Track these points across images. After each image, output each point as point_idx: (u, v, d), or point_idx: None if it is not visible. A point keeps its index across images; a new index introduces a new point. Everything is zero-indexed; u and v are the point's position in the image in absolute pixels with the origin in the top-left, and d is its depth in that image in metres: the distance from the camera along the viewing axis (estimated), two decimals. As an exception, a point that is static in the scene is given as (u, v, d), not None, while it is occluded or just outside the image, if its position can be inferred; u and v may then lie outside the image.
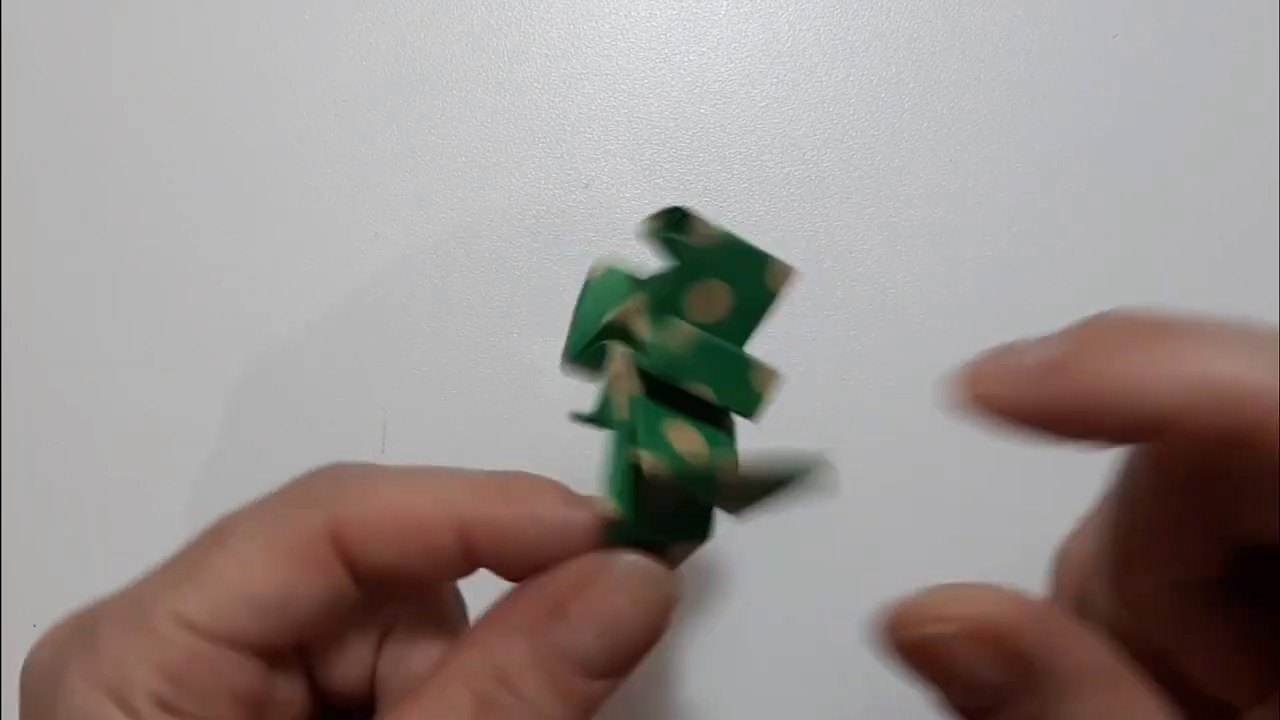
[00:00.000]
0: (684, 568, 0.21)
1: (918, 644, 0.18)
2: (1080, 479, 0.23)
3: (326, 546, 0.19)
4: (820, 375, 0.32)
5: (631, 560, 0.20)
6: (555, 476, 0.31)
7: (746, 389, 0.22)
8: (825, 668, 0.30)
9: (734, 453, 0.22)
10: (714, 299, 0.23)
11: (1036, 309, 0.32)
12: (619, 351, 0.21)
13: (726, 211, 0.33)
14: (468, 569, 0.20)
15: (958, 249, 0.33)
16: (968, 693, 0.18)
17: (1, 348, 0.32)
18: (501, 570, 0.20)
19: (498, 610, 0.20)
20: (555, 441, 0.31)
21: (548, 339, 0.32)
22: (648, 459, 0.19)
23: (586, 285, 0.23)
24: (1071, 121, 0.34)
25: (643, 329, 0.22)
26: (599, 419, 0.23)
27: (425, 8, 0.35)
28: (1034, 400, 0.19)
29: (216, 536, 0.20)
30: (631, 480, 0.20)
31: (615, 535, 0.20)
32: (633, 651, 0.20)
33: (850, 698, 0.30)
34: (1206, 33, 0.34)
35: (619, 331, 0.22)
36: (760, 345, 0.32)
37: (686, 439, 0.21)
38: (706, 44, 0.35)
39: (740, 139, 0.34)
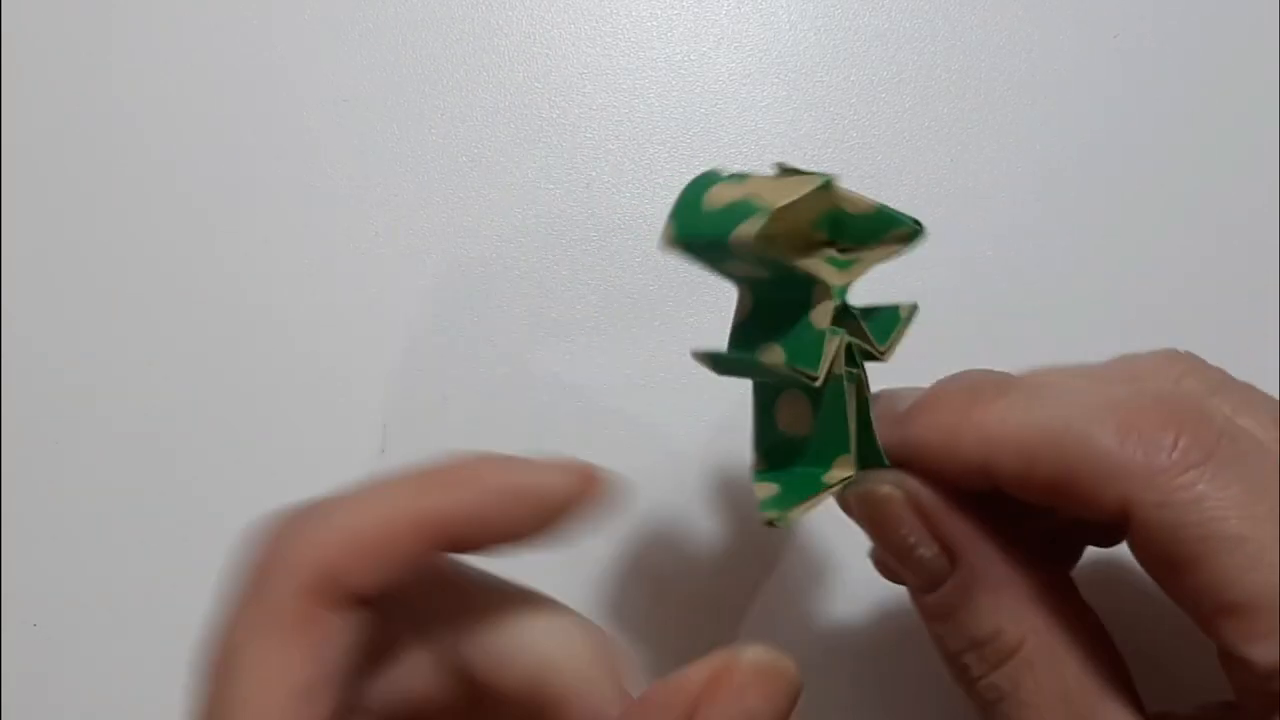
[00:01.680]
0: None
1: (876, 500, 0.22)
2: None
3: (322, 607, 0.19)
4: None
5: (757, 653, 0.19)
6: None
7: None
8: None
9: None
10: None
11: (1036, 309, 0.32)
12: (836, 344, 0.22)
13: (726, 211, 0.33)
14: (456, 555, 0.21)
15: (958, 249, 0.33)
16: (908, 562, 0.22)
17: (1, 348, 0.32)
18: (481, 550, 0.21)
19: None
20: (555, 441, 0.31)
21: (548, 339, 0.32)
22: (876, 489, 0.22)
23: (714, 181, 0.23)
24: (1072, 121, 0.34)
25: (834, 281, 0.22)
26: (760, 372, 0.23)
27: (425, 8, 0.35)
28: (890, 442, 0.22)
29: (225, 661, 0.19)
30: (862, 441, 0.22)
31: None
32: None
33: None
34: (1206, 33, 0.34)
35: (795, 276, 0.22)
36: (760, 345, 0.32)
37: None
38: (706, 44, 0.35)
39: (740, 139, 0.34)
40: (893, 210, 0.22)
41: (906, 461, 0.22)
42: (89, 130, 0.34)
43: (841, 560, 0.30)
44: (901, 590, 0.23)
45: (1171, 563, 0.19)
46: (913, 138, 0.34)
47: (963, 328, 0.32)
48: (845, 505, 0.23)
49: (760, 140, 0.34)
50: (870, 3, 0.35)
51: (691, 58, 0.34)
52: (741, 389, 0.31)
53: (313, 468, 0.31)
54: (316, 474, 0.31)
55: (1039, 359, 0.32)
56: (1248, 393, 0.21)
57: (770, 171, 0.23)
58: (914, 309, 0.23)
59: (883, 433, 0.22)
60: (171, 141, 0.34)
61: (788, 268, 0.22)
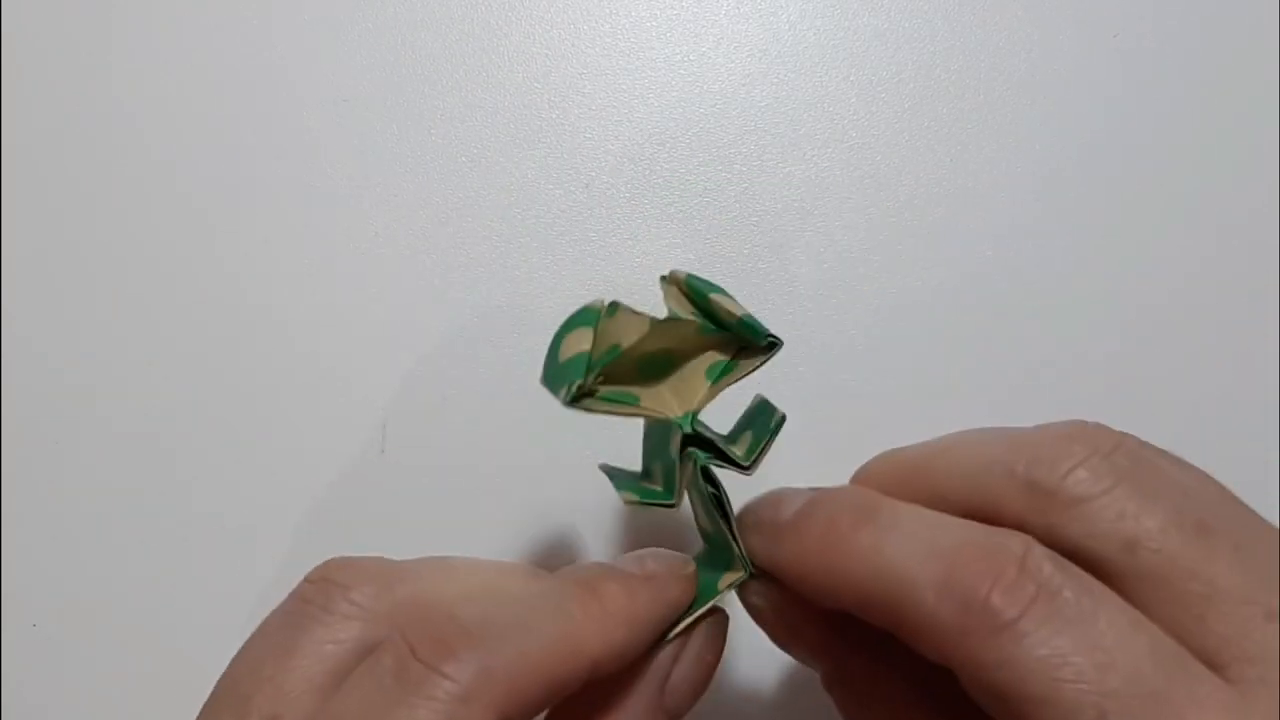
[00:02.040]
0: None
1: (748, 609, 0.24)
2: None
3: None
4: (820, 375, 0.32)
5: (716, 620, 0.23)
6: (553, 472, 0.31)
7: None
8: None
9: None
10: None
11: (1037, 309, 0.32)
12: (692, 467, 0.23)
13: (726, 211, 0.33)
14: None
15: (958, 249, 0.33)
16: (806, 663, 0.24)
17: (1, 348, 0.32)
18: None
19: (617, 702, 0.22)
20: (555, 441, 0.31)
21: (547, 339, 0.32)
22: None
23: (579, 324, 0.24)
24: (1071, 121, 0.34)
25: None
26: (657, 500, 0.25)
27: (425, 8, 0.35)
28: (765, 557, 0.23)
29: None
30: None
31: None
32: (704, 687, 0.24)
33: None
34: (1206, 33, 0.34)
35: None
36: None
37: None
38: (706, 44, 0.35)
39: (740, 139, 0.34)
40: (754, 322, 0.23)
41: (781, 577, 0.23)
42: (89, 130, 0.34)
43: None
44: None
45: (994, 713, 0.19)
46: (913, 138, 0.34)
47: (963, 328, 0.32)
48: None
49: (760, 140, 0.34)
50: (870, 3, 0.35)
51: (691, 58, 0.34)
52: (757, 375, 0.31)
53: (313, 468, 0.31)
54: (317, 474, 0.31)
55: (1039, 359, 0.32)
56: (1154, 478, 0.20)
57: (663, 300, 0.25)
58: (781, 420, 0.24)
59: (760, 542, 0.23)
60: (171, 141, 0.34)
61: (625, 412, 0.23)
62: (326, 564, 0.22)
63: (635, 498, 0.24)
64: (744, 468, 0.24)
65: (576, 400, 0.22)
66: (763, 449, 0.24)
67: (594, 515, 0.31)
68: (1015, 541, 0.19)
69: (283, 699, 0.20)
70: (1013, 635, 0.18)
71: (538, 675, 0.20)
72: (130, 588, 0.31)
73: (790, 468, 0.31)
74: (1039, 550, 0.19)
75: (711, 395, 0.24)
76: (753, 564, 0.23)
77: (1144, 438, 0.32)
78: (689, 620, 0.23)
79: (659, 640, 0.23)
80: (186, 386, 0.32)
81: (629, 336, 0.23)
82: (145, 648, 0.30)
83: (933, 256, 0.33)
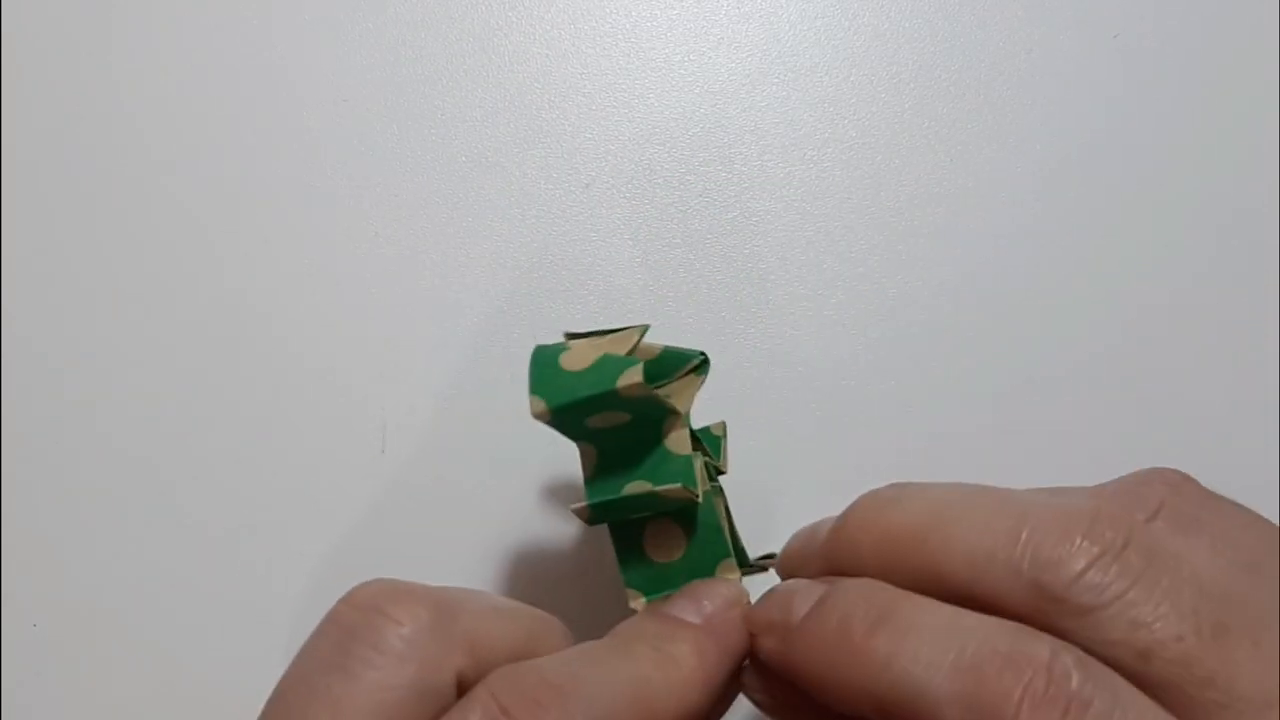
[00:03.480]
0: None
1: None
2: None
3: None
4: (820, 375, 0.32)
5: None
6: (554, 472, 0.31)
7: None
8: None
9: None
10: None
11: (1036, 309, 0.32)
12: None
13: (726, 212, 0.33)
14: None
15: (958, 249, 0.33)
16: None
17: (1, 348, 0.32)
18: None
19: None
20: (554, 441, 0.31)
21: (548, 339, 0.32)
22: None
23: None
24: (1071, 121, 0.34)
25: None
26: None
27: (425, 8, 0.35)
28: (776, 657, 0.22)
29: None
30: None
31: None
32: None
33: None
34: (1206, 33, 0.34)
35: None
36: (761, 345, 0.32)
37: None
38: (706, 44, 0.35)
39: (740, 139, 0.34)
40: (678, 349, 0.24)
41: (794, 679, 0.22)
42: (89, 131, 0.34)
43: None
44: None
45: None
46: (912, 138, 0.34)
47: (963, 328, 0.32)
48: None
49: (760, 140, 0.34)
50: (870, 3, 0.35)
51: (691, 58, 0.34)
52: (757, 376, 0.31)
53: (313, 468, 0.31)
54: (317, 474, 0.31)
55: (1039, 359, 0.32)
56: (1170, 575, 0.19)
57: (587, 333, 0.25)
58: (723, 426, 0.26)
59: (771, 644, 0.22)
60: (171, 142, 0.34)
61: (655, 403, 0.23)
62: (369, 588, 0.21)
63: (648, 485, 0.24)
64: (721, 470, 0.25)
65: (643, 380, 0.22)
66: (724, 453, 0.25)
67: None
68: (1042, 648, 0.18)
69: None
70: None
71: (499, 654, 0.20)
72: (130, 588, 0.31)
73: (791, 468, 0.31)
74: (1066, 657, 0.18)
75: (684, 401, 0.24)
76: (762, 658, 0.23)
77: (1144, 438, 0.32)
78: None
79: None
80: (186, 387, 0.32)
81: (622, 349, 0.24)
82: (145, 648, 0.30)
83: (933, 256, 0.33)
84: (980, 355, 0.32)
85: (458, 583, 0.25)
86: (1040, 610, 0.19)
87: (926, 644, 0.19)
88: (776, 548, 0.31)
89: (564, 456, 0.31)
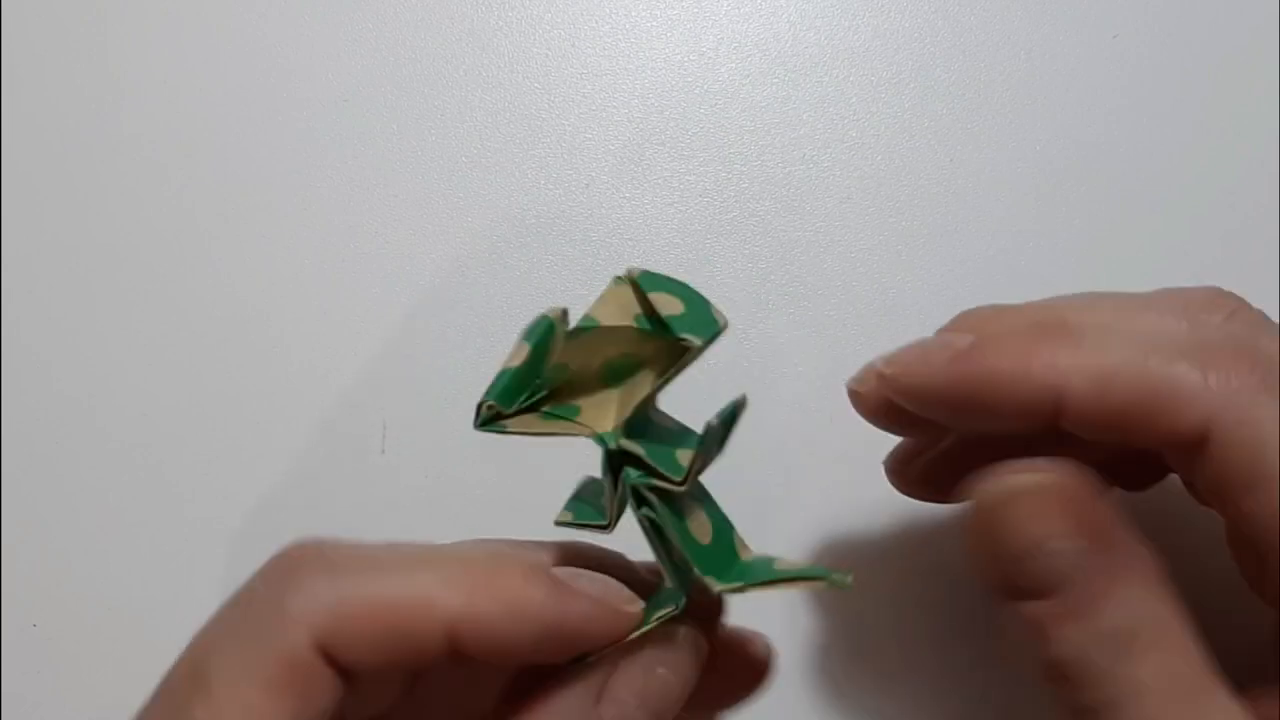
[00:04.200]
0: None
1: (1006, 501, 0.21)
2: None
3: (313, 663, 0.19)
4: (820, 375, 0.32)
5: (684, 635, 0.21)
6: (554, 472, 0.31)
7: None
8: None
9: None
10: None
11: (1036, 309, 0.32)
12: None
13: (726, 212, 0.33)
14: (456, 662, 0.20)
15: (958, 249, 0.33)
16: (1039, 577, 0.20)
17: (1, 348, 0.32)
18: (491, 660, 0.20)
19: (546, 701, 0.20)
20: (553, 441, 0.31)
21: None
22: (720, 586, 0.21)
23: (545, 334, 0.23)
24: (1071, 122, 0.34)
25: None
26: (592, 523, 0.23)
27: (425, 8, 0.35)
28: (949, 383, 0.21)
29: (194, 681, 0.19)
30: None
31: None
32: (671, 712, 0.21)
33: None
34: (1206, 33, 0.34)
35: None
36: (762, 346, 0.32)
37: (701, 528, 0.22)
38: (706, 44, 0.35)
39: (740, 139, 0.34)
40: (683, 319, 0.22)
41: (964, 401, 0.21)
42: (88, 131, 0.34)
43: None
44: None
45: (1246, 480, 0.19)
46: (913, 138, 0.34)
47: (963, 328, 0.32)
48: (972, 520, 0.21)
49: (760, 140, 0.34)
50: (870, 3, 0.35)
51: (691, 58, 0.34)
52: (757, 375, 0.31)
53: (313, 468, 0.31)
54: (317, 474, 0.31)
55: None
56: None
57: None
58: (730, 415, 0.22)
59: (937, 371, 0.22)
60: (170, 142, 0.34)
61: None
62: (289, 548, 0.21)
63: (569, 517, 0.23)
64: (676, 484, 0.21)
65: (486, 424, 0.21)
66: (696, 460, 0.21)
67: (594, 515, 0.31)
68: (1239, 330, 0.21)
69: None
70: (1276, 399, 0.19)
71: (375, 621, 0.19)
72: (130, 588, 0.31)
73: (792, 469, 0.31)
74: (1262, 339, 0.20)
75: (642, 404, 0.22)
76: (704, 589, 0.21)
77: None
78: (608, 649, 0.21)
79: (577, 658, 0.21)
80: (186, 387, 0.32)
81: (576, 353, 0.22)
82: (145, 648, 0.30)
83: (933, 256, 0.33)
84: (980, 355, 0.32)
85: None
86: (1226, 413, 0.20)
87: (1138, 332, 0.21)
88: (775, 547, 0.31)
89: (565, 457, 0.31)
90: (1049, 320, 0.21)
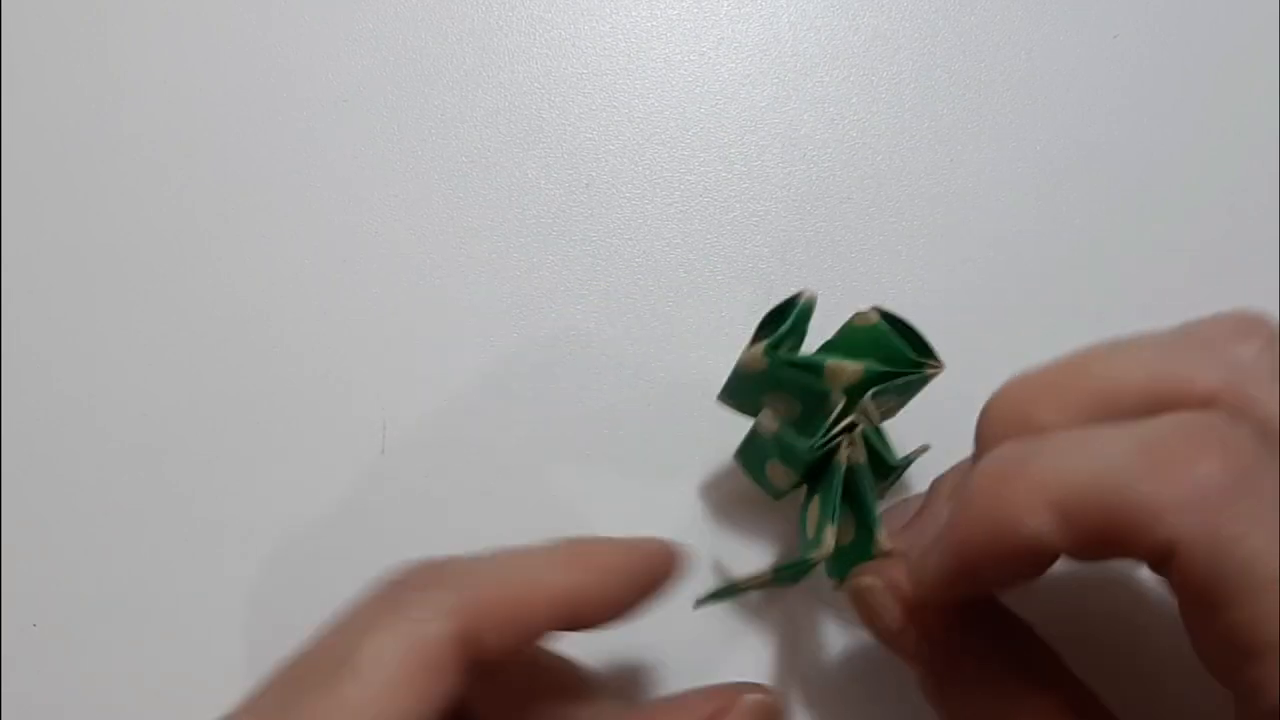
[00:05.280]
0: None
1: (858, 591, 0.24)
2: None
3: (452, 652, 0.21)
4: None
5: (756, 700, 0.23)
6: (554, 472, 0.31)
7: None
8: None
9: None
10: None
11: (1036, 309, 0.32)
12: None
13: (727, 212, 0.33)
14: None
15: (958, 249, 0.33)
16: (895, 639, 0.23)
17: (1, 348, 0.32)
18: (583, 629, 0.23)
19: None
20: (556, 441, 0.31)
21: (548, 339, 0.32)
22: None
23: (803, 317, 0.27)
24: (1072, 122, 0.34)
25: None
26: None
27: (425, 8, 0.35)
28: (943, 573, 0.22)
29: (345, 661, 0.20)
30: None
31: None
32: None
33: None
34: (1206, 33, 0.34)
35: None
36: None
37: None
38: (706, 44, 0.35)
39: (740, 139, 0.34)
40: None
41: (971, 579, 0.22)
42: (88, 132, 0.34)
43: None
44: None
45: (1207, 600, 0.18)
46: (913, 138, 0.34)
47: (962, 328, 0.32)
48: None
49: (760, 140, 0.34)
50: (870, 3, 0.35)
51: (691, 58, 0.34)
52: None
53: (313, 468, 0.31)
54: (317, 474, 0.31)
55: (1039, 360, 0.32)
56: None
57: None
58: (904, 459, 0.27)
59: (936, 559, 0.22)
60: (170, 143, 0.34)
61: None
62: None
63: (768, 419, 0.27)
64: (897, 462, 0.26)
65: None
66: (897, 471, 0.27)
67: (594, 515, 0.31)
68: (1217, 419, 0.19)
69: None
70: (1246, 509, 0.18)
71: (506, 603, 0.21)
72: (130, 588, 0.31)
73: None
74: (1240, 427, 0.19)
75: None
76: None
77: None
78: (794, 562, 0.25)
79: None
80: (186, 387, 0.32)
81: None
82: (145, 648, 0.30)
83: (933, 257, 0.33)
84: (980, 355, 0.32)
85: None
86: (1234, 383, 0.20)
87: (1098, 442, 0.19)
88: (777, 546, 0.31)
89: (565, 457, 0.31)
90: (1011, 456, 0.21)
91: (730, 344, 0.32)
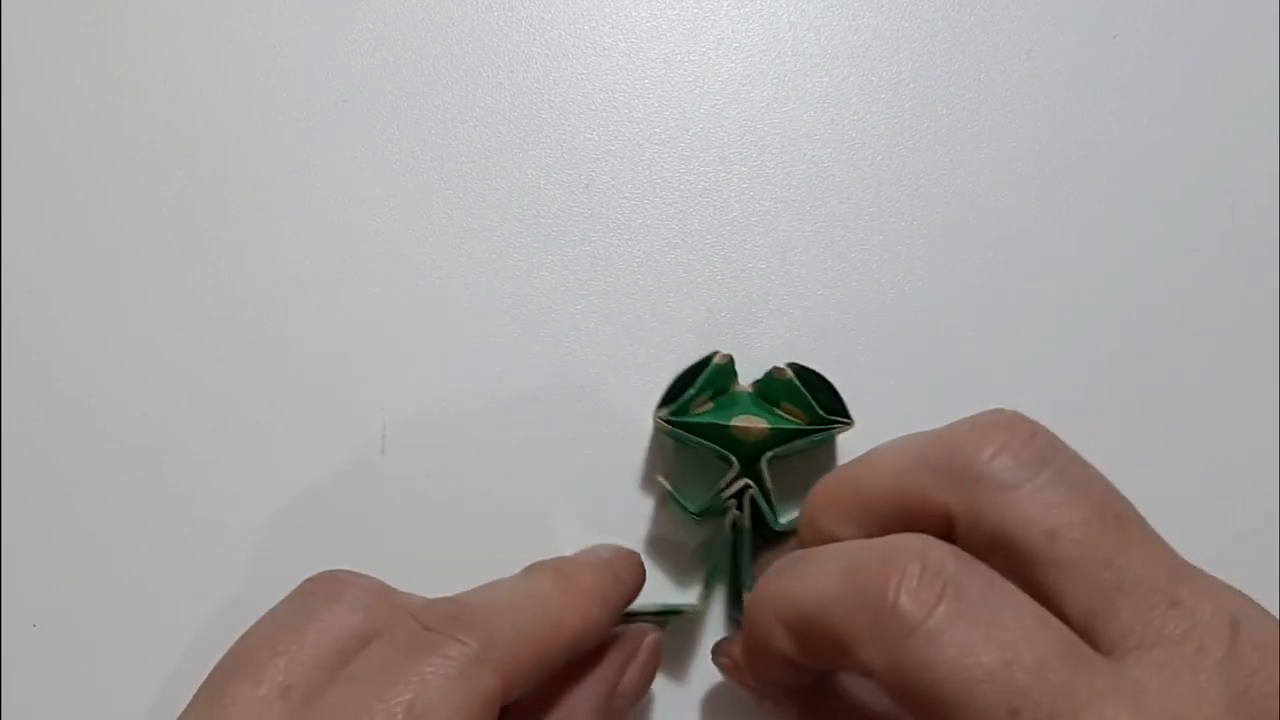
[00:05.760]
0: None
1: (721, 667, 0.27)
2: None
3: (499, 700, 0.22)
4: (820, 375, 0.32)
5: (655, 639, 0.27)
6: (553, 473, 0.31)
7: None
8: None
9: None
10: None
11: (1036, 309, 0.32)
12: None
13: (727, 211, 0.33)
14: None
15: (958, 249, 0.33)
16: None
17: (1, 348, 0.32)
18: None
19: (573, 687, 0.25)
20: (555, 441, 0.31)
21: (548, 339, 0.32)
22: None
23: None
24: (1071, 122, 0.34)
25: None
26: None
27: (425, 8, 0.35)
28: (749, 671, 0.25)
29: (401, 704, 0.21)
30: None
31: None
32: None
33: None
34: (1206, 33, 0.34)
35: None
36: (762, 345, 0.32)
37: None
38: (706, 44, 0.35)
39: (740, 139, 0.34)
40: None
41: (762, 675, 0.24)
42: (88, 132, 0.34)
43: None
44: None
45: (919, 715, 0.19)
46: (913, 138, 0.34)
47: (962, 328, 0.32)
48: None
49: (760, 140, 0.34)
50: (870, 3, 0.35)
51: (691, 58, 0.34)
52: (756, 375, 0.31)
53: (313, 468, 0.31)
54: (317, 474, 0.31)
55: (1038, 360, 0.32)
56: (1074, 468, 0.21)
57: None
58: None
59: (739, 656, 0.26)
60: (170, 143, 0.34)
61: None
62: (328, 571, 0.25)
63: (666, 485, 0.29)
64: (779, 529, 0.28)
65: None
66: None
67: (593, 515, 0.31)
68: (914, 541, 0.20)
69: (294, 670, 0.21)
70: (925, 636, 0.19)
71: (532, 648, 0.22)
72: (130, 588, 0.31)
73: (792, 468, 0.31)
74: (939, 547, 0.20)
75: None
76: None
77: (1143, 438, 0.32)
78: (673, 606, 0.28)
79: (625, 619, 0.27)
80: (186, 387, 0.32)
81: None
82: (145, 648, 0.30)
83: (933, 257, 0.33)
84: (980, 355, 0.32)
85: (458, 584, 0.25)
86: (960, 495, 0.21)
87: (819, 569, 0.21)
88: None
89: (565, 457, 0.31)
90: (789, 558, 0.23)
91: (730, 343, 0.32)
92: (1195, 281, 0.33)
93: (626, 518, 0.31)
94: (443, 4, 0.35)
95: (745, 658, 0.25)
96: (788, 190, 0.33)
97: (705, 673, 0.29)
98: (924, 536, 0.20)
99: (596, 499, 0.31)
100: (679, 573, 0.30)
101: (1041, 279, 0.33)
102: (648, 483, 0.31)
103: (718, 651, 0.27)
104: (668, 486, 0.28)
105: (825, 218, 0.33)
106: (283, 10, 0.35)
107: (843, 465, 0.24)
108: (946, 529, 0.21)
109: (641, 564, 0.27)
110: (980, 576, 0.19)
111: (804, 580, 0.21)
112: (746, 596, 0.24)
